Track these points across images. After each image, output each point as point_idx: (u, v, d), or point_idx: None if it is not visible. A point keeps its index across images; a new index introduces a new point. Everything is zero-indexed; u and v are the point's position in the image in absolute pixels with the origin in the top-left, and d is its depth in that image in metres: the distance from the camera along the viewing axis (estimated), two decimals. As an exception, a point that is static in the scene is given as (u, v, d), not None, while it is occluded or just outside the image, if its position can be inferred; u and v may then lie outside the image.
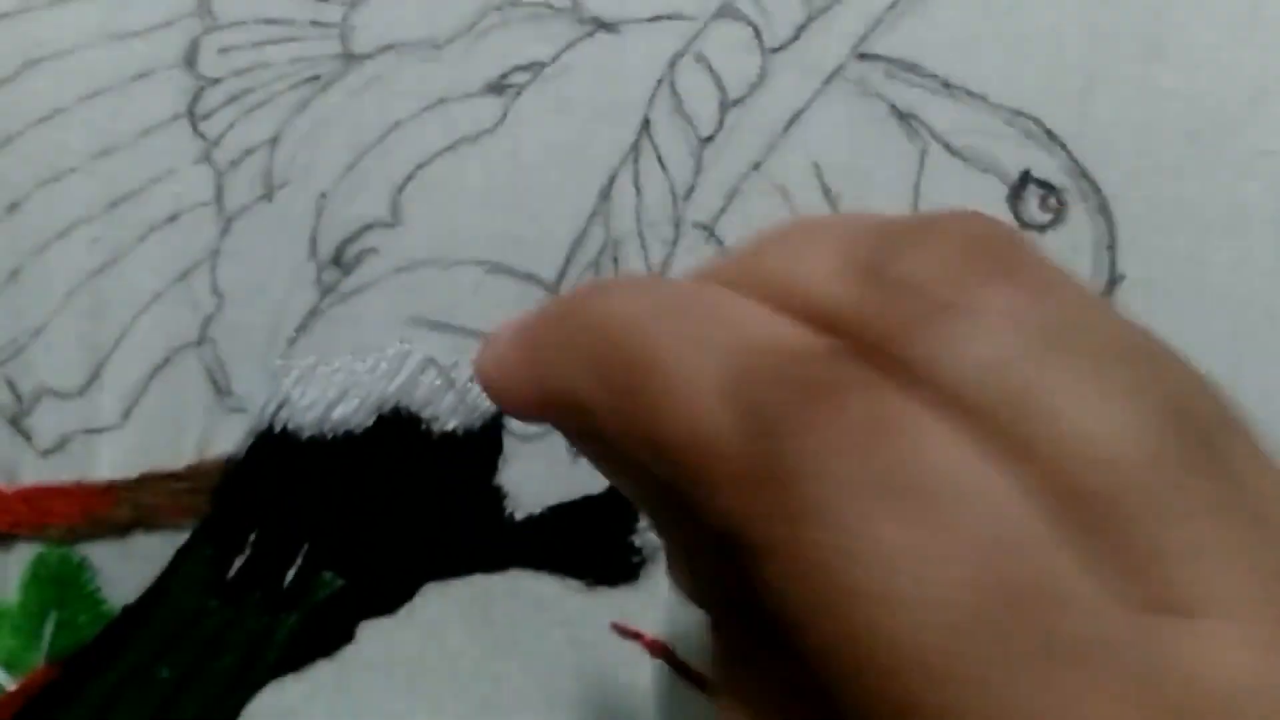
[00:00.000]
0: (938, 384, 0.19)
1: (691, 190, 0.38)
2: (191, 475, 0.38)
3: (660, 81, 0.38)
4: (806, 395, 0.18)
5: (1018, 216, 0.39)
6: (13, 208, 0.38)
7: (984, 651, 0.17)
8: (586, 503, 0.39)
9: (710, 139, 0.38)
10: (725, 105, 0.38)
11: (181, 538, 0.39)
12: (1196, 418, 0.19)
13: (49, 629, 0.39)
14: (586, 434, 0.22)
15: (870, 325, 0.20)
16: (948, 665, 0.17)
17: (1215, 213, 0.38)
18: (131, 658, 0.39)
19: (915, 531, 0.17)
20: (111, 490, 0.38)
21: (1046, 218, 0.39)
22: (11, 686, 0.39)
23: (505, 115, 0.38)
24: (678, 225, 0.38)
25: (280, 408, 0.38)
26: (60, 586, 0.38)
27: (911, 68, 0.38)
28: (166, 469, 0.38)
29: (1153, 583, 0.17)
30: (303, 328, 0.38)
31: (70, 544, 0.38)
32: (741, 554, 0.19)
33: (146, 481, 0.38)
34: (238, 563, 0.38)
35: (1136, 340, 0.20)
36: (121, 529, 0.39)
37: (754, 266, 0.22)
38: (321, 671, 0.39)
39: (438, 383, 0.38)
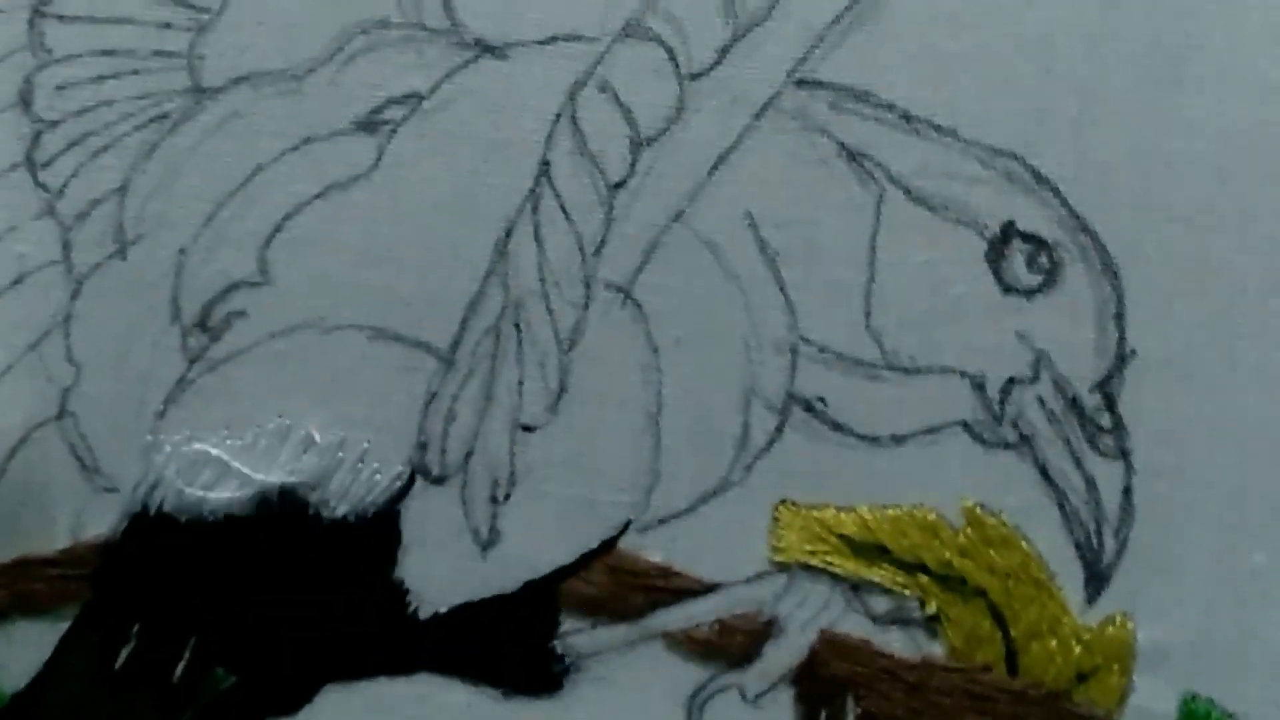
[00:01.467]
0: None
1: (602, 244, 0.45)
2: (67, 560, 0.48)
3: (559, 116, 0.44)
4: None
5: (1000, 278, 0.44)
6: None
7: None
8: (500, 601, 0.46)
9: (621, 184, 0.44)
10: (636, 144, 0.44)
11: (64, 624, 0.48)
12: None
13: None
14: None
15: None
16: None
17: (1247, 270, 0.43)
18: None
19: None
20: (-13, 576, 0.45)
21: (1036, 280, 0.44)
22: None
23: (380, 156, 0.45)
24: (588, 285, 0.45)
25: (154, 489, 0.47)
26: None
27: (862, 97, 0.44)
28: (40, 554, 0.48)
29: None
30: (171, 399, 0.46)
31: None
32: None
33: (21, 566, 0.48)
34: (123, 654, 0.48)
35: None
36: (1, 615, 0.48)
37: None
38: None
39: (323, 463, 0.46)
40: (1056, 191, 0.44)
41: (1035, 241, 0.44)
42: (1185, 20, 0.42)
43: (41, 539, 0.48)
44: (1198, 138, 0.42)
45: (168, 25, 0.46)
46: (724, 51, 0.44)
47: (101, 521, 0.48)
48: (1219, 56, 0.42)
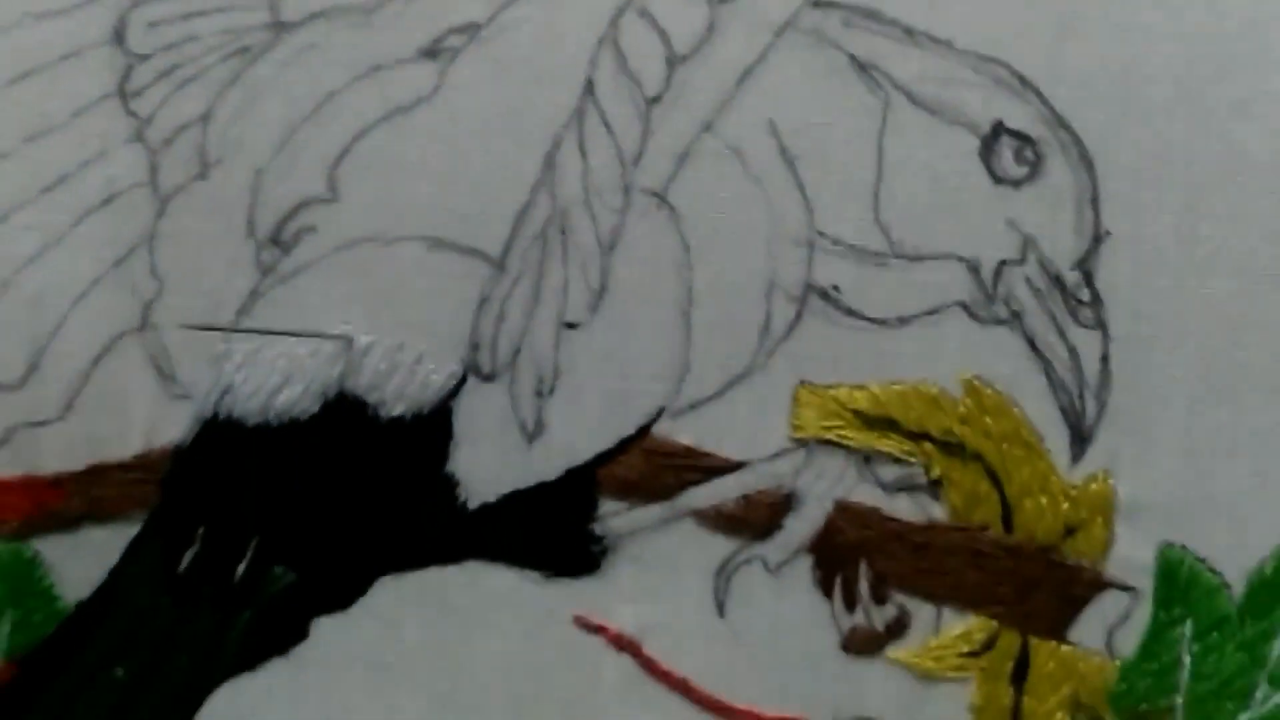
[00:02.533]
0: None
1: (640, 155, 0.50)
2: (140, 465, 0.52)
3: (602, 40, 0.49)
4: None
5: (991, 171, 0.49)
6: None
7: None
8: (543, 489, 0.51)
9: (657, 99, 0.49)
10: (672, 62, 0.49)
11: (132, 529, 0.52)
12: None
13: (5, 627, 0.53)
14: None
15: None
16: None
17: (1209, 160, 0.49)
18: (88, 657, 0.53)
19: None
20: (60, 483, 0.52)
21: (1022, 171, 0.49)
22: (-30, 685, 0.49)
23: (441, 81, 0.50)
24: (627, 192, 0.50)
25: (224, 394, 0.51)
26: (14, 583, 0.53)
27: (870, 14, 0.49)
28: (114, 459, 0.52)
29: None
30: (244, 310, 0.51)
31: (21, 539, 0.52)
32: None
33: (95, 473, 0.52)
34: (187, 557, 0.52)
35: None
36: (71, 522, 0.52)
37: None
38: (277, 669, 0.52)
39: (383, 366, 0.51)
40: (1039, 93, 0.50)
41: (1021, 138, 0.50)
42: None
43: (117, 446, 0.53)
44: (1161, 45, 0.49)
45: None
46: (749, -23, 0.48)
47: (174, 429, 0.53)
48: (1176, -26, 0.49)
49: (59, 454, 0.53)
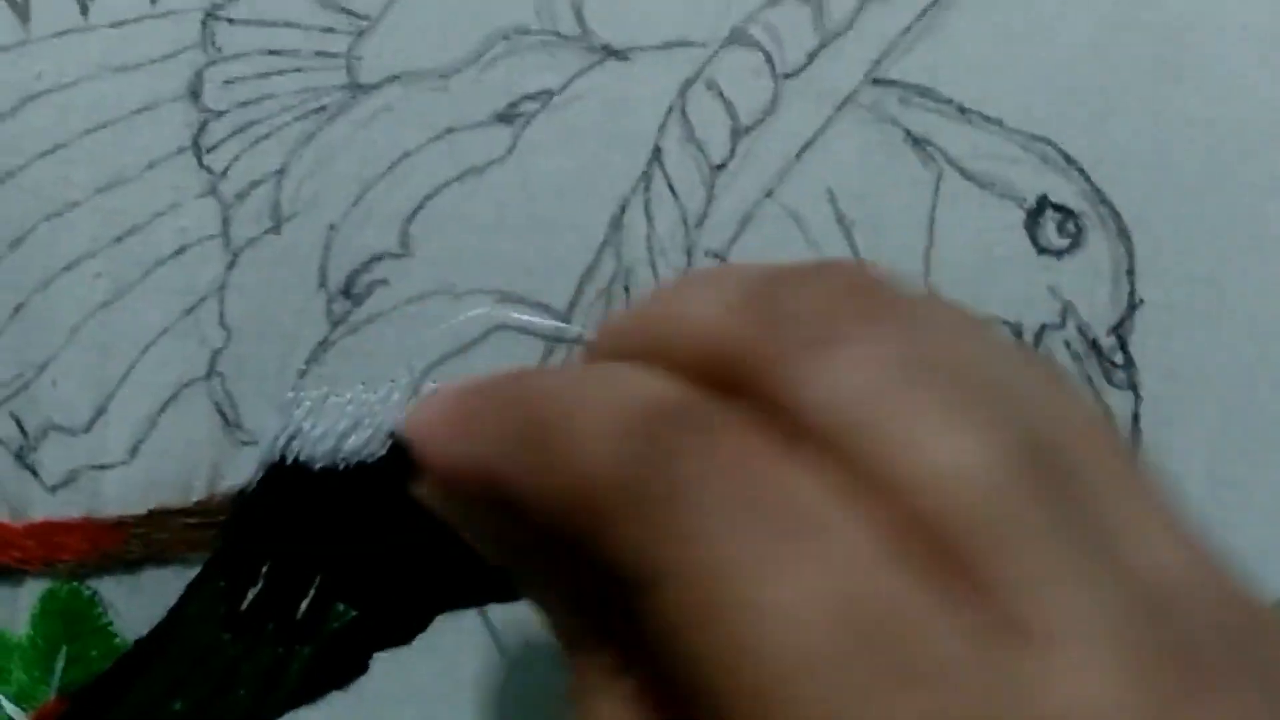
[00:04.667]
0: (803, 415, 0.30)
1: (704, 218, 0.53)
2: (202, 510, 0.54)
3: (671, 109, 0.52)
4: (680, 434, 0.30)
5: (1035, 241, 0.53)
6: (16, 243, 0.53)
7: (838, 677, 0.27)
8: None
9: (722, 166, 0.52)
10: (737, 132, 0.52)
11: (192, 572, 0.54)
12: (1055, 451, 0.29)
13: (60, 663, 0.54)
14: (487, 504, 0.36)
15: (751, 357, 0.31)
16: (805, 690, 0.27)
17: (1235, 236, 0.53)
18: (144, 691, 0.54)
19: (774, 554, 0.28)
20: (121, 526, 0.54)
21: (1065, 243, 0.53)
22: (25, 720, 0.51)
23: (514, 145, 0.53)
24: (690, 253, 0.53)
25: (291, 439, 0.53)
26: (71, 620, 0.54)
27: (926, 92, 0.53)
28: (176, 504, 0.54)
29: (996, 611, 0.27)
30: (313, 359, 0.53)
31: (80, 579, 0.54)
32: (628, 587, 0.30)
33: (156, 517, 0.54)
34: (250, 595, 0.54)
35: (1003, 374, 0.31)
36: (131, 564, 0.54)
37: (650, 312, 0.35)
38: (337, 703, 0.55)
39: (449, 414, 0.59)
40: (1082, 170, 0.53)
41: (1064, 211, 0.53)
42: (1183, 36, 0.53)
43: (180, 492, 0.55)
44: (1194, 129, 0.53)
45: (330, 29, 0.53)
46: (812, 56, 0.53)
47: (237, 474, 0.55)
48: (1210, 66, 0.53)
49: (121, 498, 0.55)
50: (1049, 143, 0.54)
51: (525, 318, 0.53)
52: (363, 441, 0.53)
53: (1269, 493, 0.53)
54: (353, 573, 0.54)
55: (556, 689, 0.56)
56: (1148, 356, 0.54)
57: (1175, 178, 0.53)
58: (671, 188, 0.51)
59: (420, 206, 0.52)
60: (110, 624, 0.55)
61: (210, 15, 0.52)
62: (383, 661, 0.55)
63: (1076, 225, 0.54)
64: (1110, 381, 0.54)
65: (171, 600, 0.55)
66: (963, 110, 0.53)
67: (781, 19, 0.52)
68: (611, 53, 0.52)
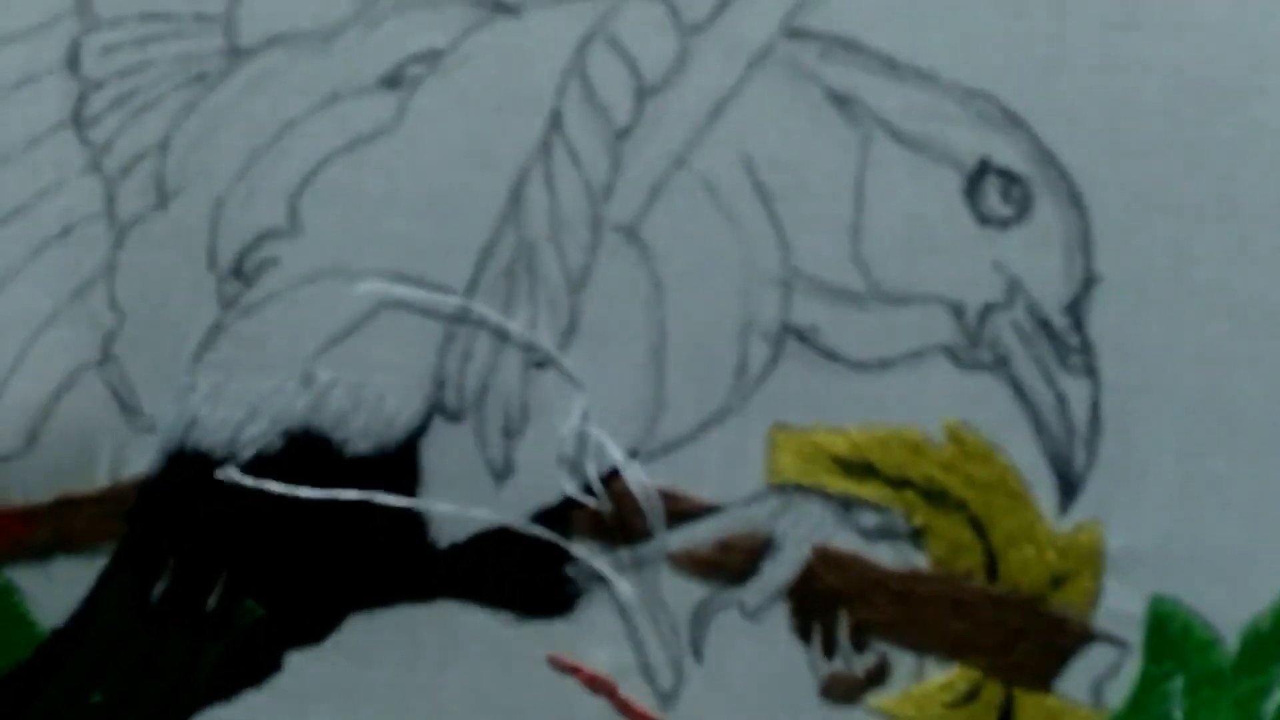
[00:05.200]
0: None
1: (610, 189, 0.49)
2: (108, 498, 0.52)
3: (569, 69, 0.49)
4: None
5: (976, 210, 0.48)
6: None
7: None
8: (512, 531, 0.51)
9: (628, 131, 0.49)
10: (642, 93, 0.49)
11: (104, 560, 0.53)
12: None
13: None
14: None
15: None
16: None
17: (1204, 200, 0.47)
18: (65, 681, 0.53)
19: None
20: (29, 514, 0.53)
21: (1009, 211, 0.48)
22: (-54, 711, 0.51)
23: (403, 112, 0.49)
24: (596, 228, 0.49)
25: (189, 428, 0.51)
26: None
27: (850, 45, 0.48)
28: (81, 493, 0.52)
29: None
30: (207, 343, 0.51)
31: None
32: None
33: (63, 505, 0.52)
34: (159, 588, 0.52)
35: None
36: (42, 552, 0.53)
37: None
38: (252, 701, 0.53)
39: (346, 403, 0.51)
40: (1027, 129, 0.48)
41: (1008, 176, 0.48)
42: None
43: (82, 479, 0.53)
44: (1153, 79, 0.47)
45: None
46: (721, 6, 0.48)
47: (140, 461, 0.53)
48: (1171, 4, 0.48)
49: (24, 487, 0.54)
50: (989, 98, 0.49)
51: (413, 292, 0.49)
52: (260, 432, 0.50)
53: (1247, 489, 0.48)
54: (259, 568, 0.51)
55: (477, 694, 0.53)
56: (1107, 337, 0.49)
57: (1134, 136, 0.48)
58: (573, 155, 0.47)
59: (308, 180, 0.49)
60: (28, 612, 0.53)
61: (85, -22, 0.49)
62: (297, 660, 0.52)
63: (1023, 191, 0.49)
64: (1065, 366, 0.49)
65: (84, 589, 0.54)
66: (891, 64, 0.49)
67: None
68: (501, 7, 0.48)
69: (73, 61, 0.51)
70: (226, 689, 0.54)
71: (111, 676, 0.54)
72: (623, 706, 0.52)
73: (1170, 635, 0.49)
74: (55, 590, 0.54)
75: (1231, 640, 0.50)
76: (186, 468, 0.52)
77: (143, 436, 0.53)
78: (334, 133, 0.51)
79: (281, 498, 0.51)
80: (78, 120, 0.51)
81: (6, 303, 0.52)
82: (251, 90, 0.51)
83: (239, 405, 0.51)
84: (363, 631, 0.53)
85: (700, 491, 0.51)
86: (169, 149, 0.51)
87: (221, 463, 0.52)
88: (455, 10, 0.50)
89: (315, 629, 0.53)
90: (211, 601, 0.53)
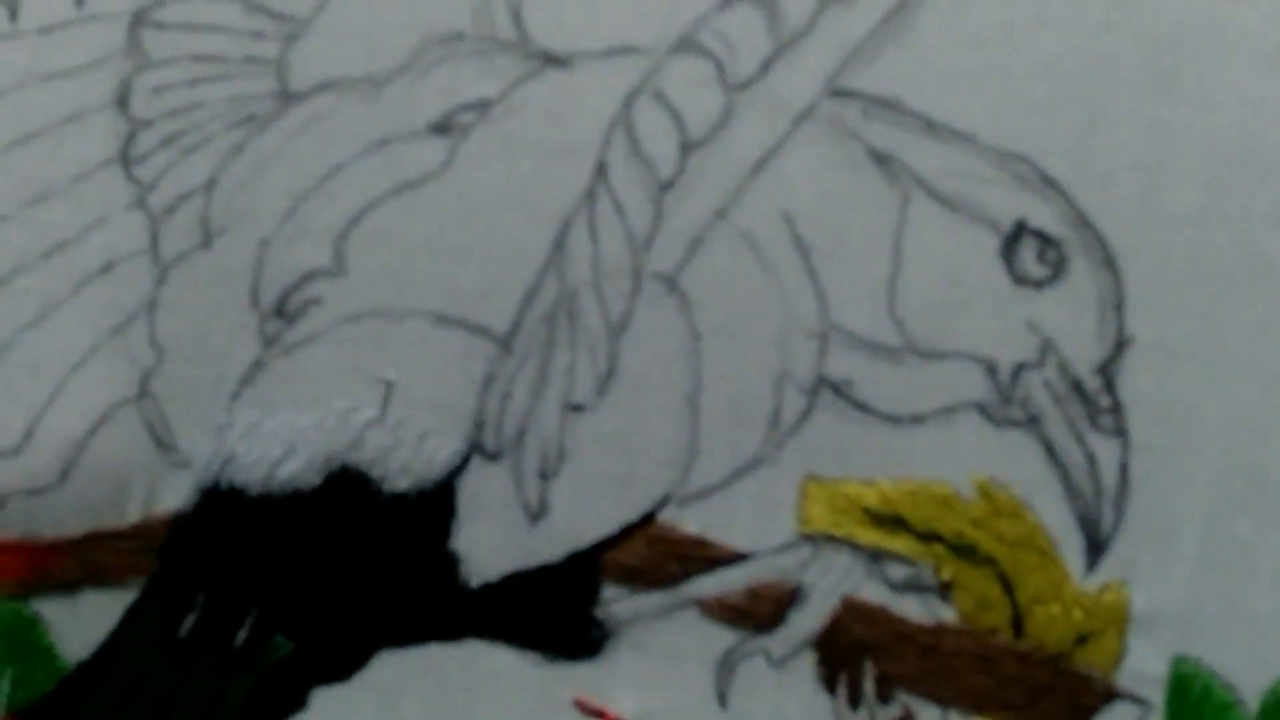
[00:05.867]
0: None
1: (651, 239, 0.50)
2: (138, 534, 0.53)
3: (615, 122, 0.50)
4: None
5: (1012, 271, 0.49)
6: None
7: None
8: (545, 572, 0.51)
9: (671, 183, 0.50)
10: (686, 147, 0.49)
11: (132, 595, 0.53)
12: None
13: (4, 684, 0.54)
14: None
15: None
16: None
17: (1236, 268, 0.48)
18: (87, 714, 0.54)
19: None
20: (59, 548, 0.53)
21: (1044, 272, 0.49)
22: (-30, 741, 0.51)
23: (451, 157, 0.50)
24: (637, 277, 0.50)
25: (225, 464, 0.52)
26: (14, 641, 0.54)
27: (891, 105, 0.49)
28: (112, 528, 0.53)
29: None
30: (246, 381, 0.51)
31: (19, 599, 0.53)
32: None
33: (93, 540, 0.53)
34: (188, 623, 0.53)
35: None
36: (70, 586, 0.53)
37: None
38: None
39: (386, 441, 0.51)
40: (1063, 193, 0.49)
41: (1044, 238, 0.49)
42: (1178, 43, 0.49)
43: (114, 514, 0.54)
44: (1188, 147, 0.48)
45: (259, 34, 0.52)
46: (767, 64, 0.49)
47: (173, 498, 0.54)
48: (1209, 76, 0.49)
49: (55, 521, 0.54)
50: (1027, 161, 0.50)
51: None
52: (297, 469, 0.51)
53: (1273, 554, 0.49)
54: (290, 605, 0.52)
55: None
56: (1138, 399, 0.50)
57: (1168, 201, 0.49)
58: (617, 206, 0.48)
59: (354, 222, 0.50)
60: (53, 645, 0.54)
61: (137, 20, 0.50)
62: (322, 697, 0.53)
63: (1057, 253, 0.50)
64: (1095, 426, 0.50)
65: (112, 623, 0.55)
66: (931, 125, 0.50)
67: (733, 24, 0.50)
68: (552, 60, 0.49)
69: (122, 100, 0.52)
70: (252, 725, 0.53)
71: (135, 710, 0.54)
72: (648, 751, 0.52)
73: (1191, 696, 0.50)
74: (82, 624, 0.55)
75: (1252, 703, 0.51)
76: (220, 504, 0.52)
77: (177, 473, 0.53)
78: (382, 177, 0.52)
79: (315, 533, 0.51)
80: (125, 158, 0.52)
81: (46, 336, 0.53)
82: (301, 133, 0.51)
83: (276, 442, 0.52)
84: (390, 669, 0.54)
85: (731, 539, 0.52)
86: (215, 189, 0.52)
87: (256, 499, 0.52)
88: (506, 61, 0.51)
89: (344, 666, 0.54)
90: (241, 636, 0.54)
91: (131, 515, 0.54)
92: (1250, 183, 0.49)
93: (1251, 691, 0.50)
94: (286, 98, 0.51)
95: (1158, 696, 0.51)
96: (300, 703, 0.54)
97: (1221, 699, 0.51)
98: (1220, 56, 0.48)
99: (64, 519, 0.54)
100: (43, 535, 0.54)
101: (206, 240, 0.52)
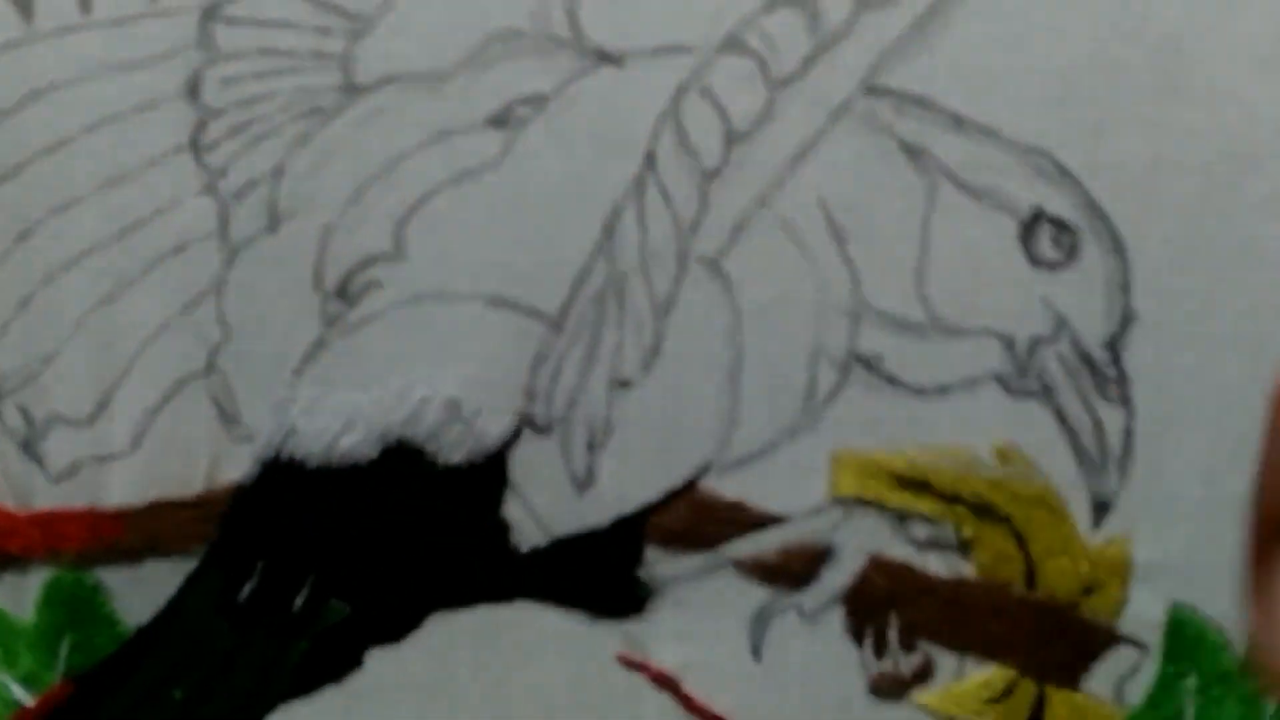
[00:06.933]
0: None
1: (697, 225, 0.53)
2: (201, 503, 0.55)
3: (664, 115, 0.53)
4: None
5: (1029, 253, 0.53)
6: (22, 236, 0.54)
7: None
8: (591, 536, 0.55)
9: (716, 173, 0.53)
10: (731, 139, 0.53)
11: (192, 563, 0.56)
12: None
13: (65, 648, 0.56)
14: None
15: None
16: None
17: (1231, 253, 0.53)
18: (145, 678, 0.56)
19: None
20: (122, 517, 0.55)
21: (1059, 255, 0.53)
22: (30, 703, 0.57)
23: (508, 149, 0.53)
24: (682, 260, 0.53)
25: (287, 437, 0.55)
26: (75, 608, 0.56)
27: (921, 102, 0.53)
28: (176, 497, 0.55)
29: None
30: (308, 359, 0.54)
31: (83, 568, 0.56)
32: None
33: (157, 509, 0.55)
34: (247, 589, 0.55)
35: None
36: (133, 554, 0.56)
37: None
38: (331, 697, 0.56)
39: (442, 416, 0.54)
40: (1077, 183, 0.53)
41: (1059, 224, 0.54)
42: (1181, 49, 0.53)
43: (179, 484, 0.57)
44: (1190, 142, 0.53)
45: (326, 30, 0.54)
46: (807, 63, 0.53)
47: (235, 469, 0.57)
48: (1209, 78, 0.53)
49: (123, 489, 0.57)
50: (1045, 154, 0.54)
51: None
52: (356, 442, 0.54)
53: None
54: (347, 571, 0.55)
55: (549, 691, 0.57)
56: (1142, 371, 0.54)
57: (1171, 191, 0.54)
58: (665, 194, 0.52)
59: (414, 209, 0.53)
60: (113, 612, 0.56)
61: (208, 14, 0.53)
62: (376, 658, 0.56)
63: (1071, 238, 0.54)
64: (1104, 396, 0.54)
65: (172, 590, 0.57)
66: (958, 121, 0.54)
67: (776, 25, 0.53)
68: (605, 57, 0.52)
69: (193, 90, 0.54)
70: (307, 685, 0.57)
71: (194, 673, 0.57)
72: (686, 702, 0.56)
73: (1186, 639, 0.54)
74: (144, 592, 0.57)
75: (1241, 645, 0.55)
76: (282, 475, 0.55)
77: (240, 445, 0.56)
78: (441, 167, 0.55)
79: (372, 503, 0.54)
80: (196, 145, 0.55)
81: (120, 312, 0.56)
82: (364, 125, 0.54)
83: (337, 417, 0.54)
84: (442, 631, 0.57)
85: (768, 503, 0.56)
86: (282, 176, 0.55)
87: (316, 471, 0.54)
88: (562, 58, 0.54)
89: (398, 628, 0.56)
90: (299, 602, 0.56)
91: (195, 485, 0.57)
92: (1245, 176, 0.53)
93: (1241, 635, 0.54)
94: (351, 91, 0.53)
95: (1156, 639, 0.56)
96: (356, 662, 0.57)
97: (1213, 640, 0.55)
98: (1219, 61, 0.53)
99: (130, 489, 0.57)
100: (108, 505, 0.55)
101: (273, 225, 0.54)
